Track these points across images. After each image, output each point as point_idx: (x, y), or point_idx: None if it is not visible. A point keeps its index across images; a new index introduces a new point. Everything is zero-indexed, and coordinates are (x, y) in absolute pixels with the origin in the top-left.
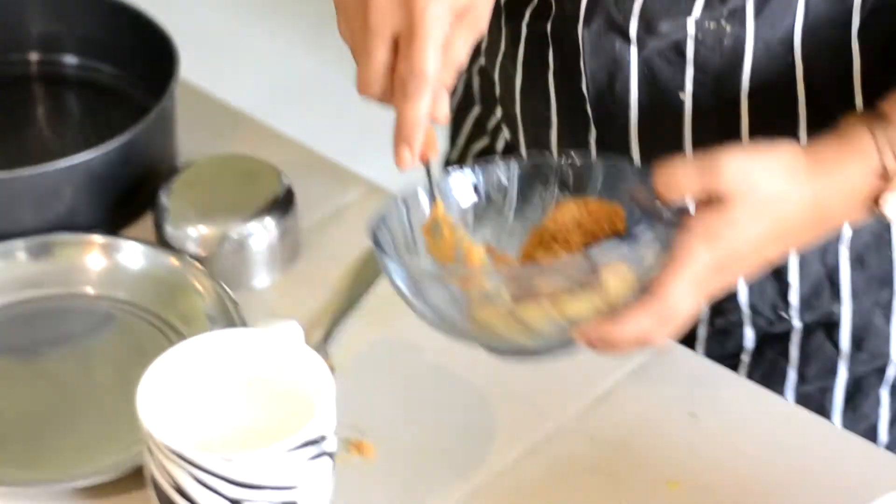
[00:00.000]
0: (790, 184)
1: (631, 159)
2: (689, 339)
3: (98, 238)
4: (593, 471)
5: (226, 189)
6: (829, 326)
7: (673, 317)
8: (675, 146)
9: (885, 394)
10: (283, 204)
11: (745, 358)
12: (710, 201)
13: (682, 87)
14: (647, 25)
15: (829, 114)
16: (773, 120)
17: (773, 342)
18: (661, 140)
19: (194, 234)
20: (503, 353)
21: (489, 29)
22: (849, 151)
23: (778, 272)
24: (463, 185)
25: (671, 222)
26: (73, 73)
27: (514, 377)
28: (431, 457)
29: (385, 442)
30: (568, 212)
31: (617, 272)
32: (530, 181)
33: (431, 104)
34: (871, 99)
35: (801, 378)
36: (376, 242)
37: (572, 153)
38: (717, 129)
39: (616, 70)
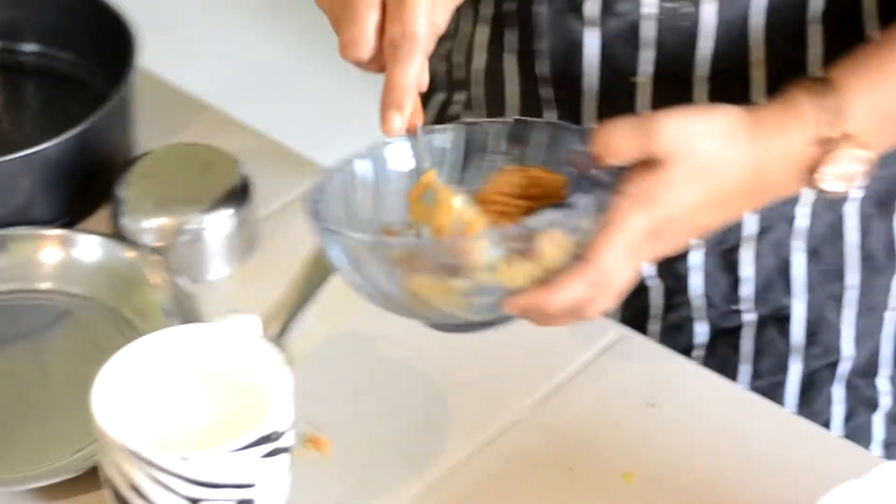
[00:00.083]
0: (728, 147)
1: (568, 120)
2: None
3: (53, 231)
4: (550, 463)
5: (183, 179)
6: (782, 320)
7: (607, 283)
8: None
9: (837, 391)
10: (239, 194)
11: (698, 353)
12: (646, 164)
13: (640, 70)
14: (604, 5)
15: None
16: (733, 103)
17: (725, 337)
18: None
19: (151, 225)
20: (442, 327)
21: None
22: (790, 117)
23: (731, 264)
24: (402, 152)
25: (610, 186)
26: (31, 61)
27: (470, 369)
28: (388, 451)
29: (342, 437)
30: (509, 179)
31: (553, 240)
32: (472, 147)
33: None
34: None
35: (755, 373)
36: (313, 214)
37: (513, 118)
38: None
39: (573, 51)
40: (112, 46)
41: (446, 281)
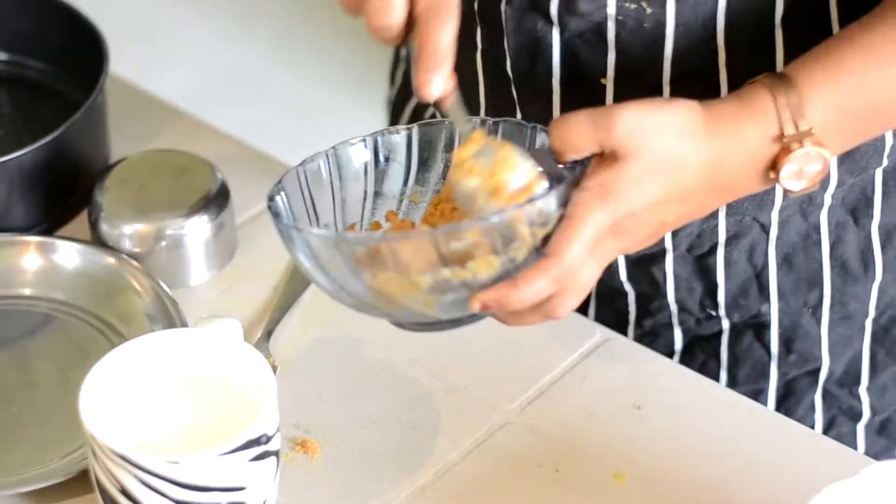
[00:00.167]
0: (684, 142)
1: (533, 120)
2: None
3: (33, 238)
4: (538, 465)
5: (160, 185)
6: (759, 327)
7: (570, 278)
8: None
9: (818, 400)
10: (217, 199)
11: (675, 360)
12: (605, 157)
13: (604, 72)
14: (567, 5)
15: None
16: None
17: (702, 343)
18: None
19: (129, 231)
20: (408, 325)
21: None
22: (748, 113)
23: (705, 270)
24: (360, 153)
25: (570, 181)
26: (1, 70)
27: (457, 372)
28: (377, 454)
29: (330, 439)
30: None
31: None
32: (430, 146)
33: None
34: None
35: (732, 380)
36: (275, 213)
37: (470, 116)
38: None
39: (538, 51)
40: (83, 54)
41: (410, 277)
